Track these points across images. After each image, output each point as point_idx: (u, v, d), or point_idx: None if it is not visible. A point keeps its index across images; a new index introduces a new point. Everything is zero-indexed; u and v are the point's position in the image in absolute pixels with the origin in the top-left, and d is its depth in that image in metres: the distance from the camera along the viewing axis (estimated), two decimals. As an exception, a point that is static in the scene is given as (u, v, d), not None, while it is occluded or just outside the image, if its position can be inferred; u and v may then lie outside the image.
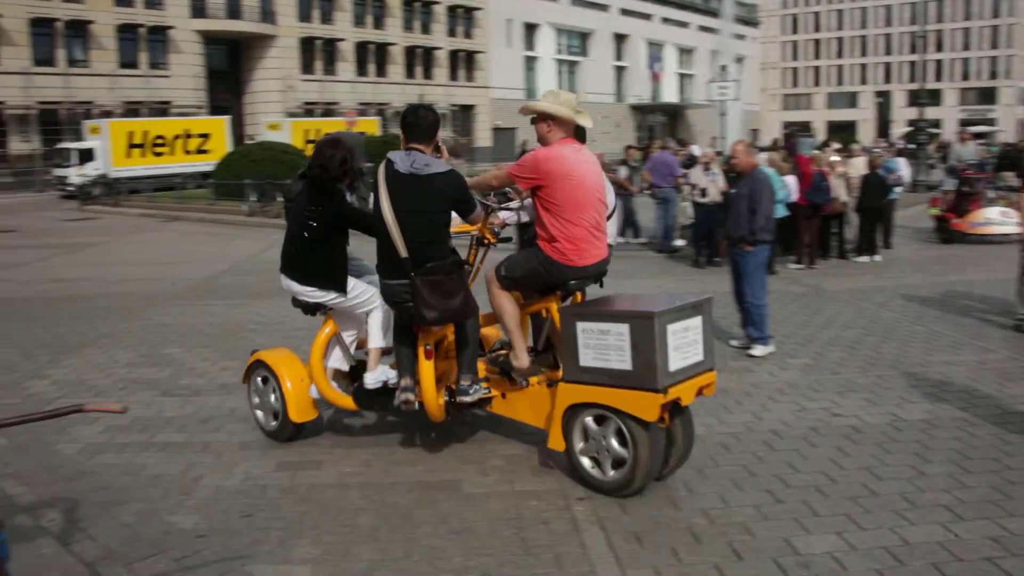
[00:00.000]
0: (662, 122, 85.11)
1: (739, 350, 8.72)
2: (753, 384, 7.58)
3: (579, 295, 5.63)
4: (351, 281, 5.82)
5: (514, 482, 5.47)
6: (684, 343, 5.03)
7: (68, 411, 3.06)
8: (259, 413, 6.39)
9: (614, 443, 5.10)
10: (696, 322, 5.14)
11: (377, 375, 5.81)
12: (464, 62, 68.29)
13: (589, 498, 5.17)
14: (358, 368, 6.18)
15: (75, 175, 36.52)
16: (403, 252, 5.25)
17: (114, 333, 10.08)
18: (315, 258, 5.75)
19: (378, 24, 62.00)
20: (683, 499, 5.17)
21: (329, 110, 55.82)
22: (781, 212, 13.06)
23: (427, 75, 65.31)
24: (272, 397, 6.19)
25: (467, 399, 5.53)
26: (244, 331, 10.00)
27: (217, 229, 23.11)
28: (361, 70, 60.81)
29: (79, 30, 47.16)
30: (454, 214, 5.47)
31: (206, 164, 37.42)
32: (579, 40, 79.96)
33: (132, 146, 39.31)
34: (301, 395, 6.03)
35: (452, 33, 67.30)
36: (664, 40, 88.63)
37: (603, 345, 5.03)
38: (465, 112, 67.57)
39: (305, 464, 5.81)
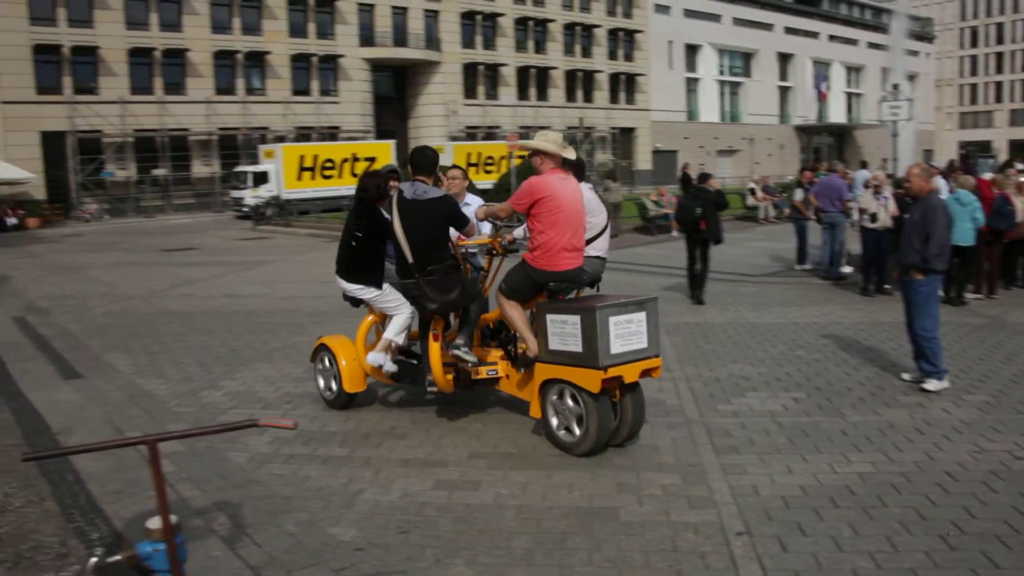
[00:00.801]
0: (828, 143, 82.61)
1: (911, 384, 8.26)
2: (925, 421, 7.15)
3: (579, 293, 7.13)
4: (385, 287, 7.31)
5: (670, 512, 5.35)
6: (627, 332, 6.18)
7: (243, 425, 3.22)
8: (322, 384, 7.84)
9: (571, 410, 6.37)
10: (640, 316, 6.27)
11: (377, 358, 7.31)
12: (624, 84, 68.29)
13: (748, 534, 4.99)
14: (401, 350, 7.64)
15: (250, 197, 38.52)
16: (410, 258, 6.77)
17: (283, 348, 10.50)
18: (357, 260, 7.28)
19: (539, 49, 62.82)
20: (847, 539, 4.92)
21: (491, 134, 56.83)
22: (971, 239, 12.41)
23: (587, 98, 65.66)
24: (332, 372, 7.66)
25: (456, 352, 6.87)
26: (404, 349, 10.20)
27: (381, 249, 23.69)
28: (522, 94, 61.70)
29: (257, 61, 49.91)
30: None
31: (372, 186, 38.65)
32: (742, 60, 78.68)
33: (303, 169, 41.07)
34: (353, 370, 7.50)
35: (613, 56, 67.46)
36: (831, 58, 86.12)
37: (563, 332, 6.28)
38: (625, 135, 67.50)
39: (463, 484, 5.86)
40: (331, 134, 51.48)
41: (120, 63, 45.69)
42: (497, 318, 7.24)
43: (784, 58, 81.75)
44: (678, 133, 70.58)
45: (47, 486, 5.93)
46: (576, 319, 6.15)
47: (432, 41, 56.77)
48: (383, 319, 7.64)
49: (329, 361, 7.74)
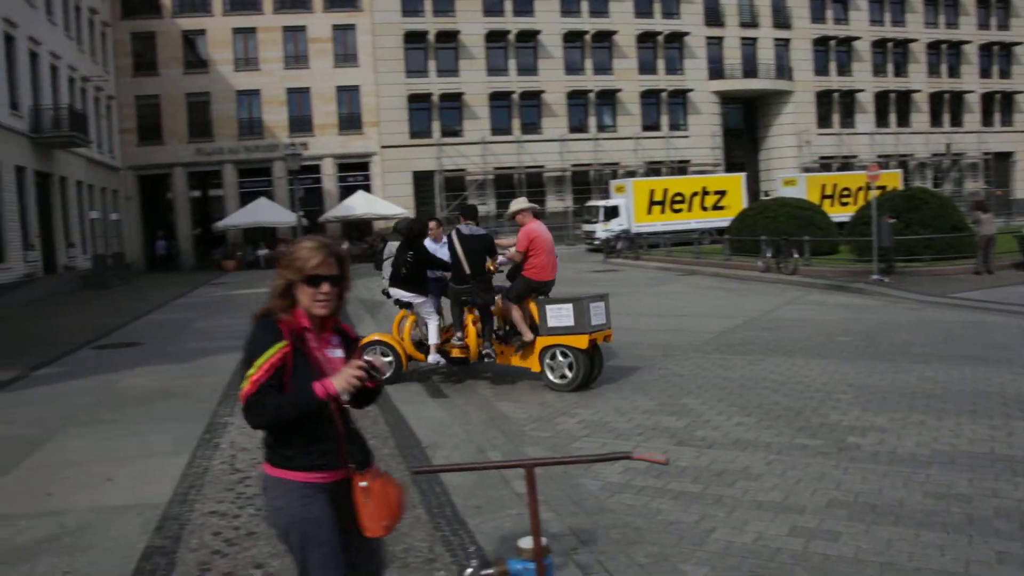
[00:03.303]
0: None
1: None
2: None
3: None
4: (423, 298, 10.77)
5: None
6: (597, 313, 10.14)
7: (617, 457, 3.29)
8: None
9: (563, 363, 10.12)
10: (602, 304, 10.34)
11: (434, 358, 10.85)
12: (1000, 104, 62.06)
13: None
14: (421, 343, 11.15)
15: (601, 230, 39.61)
16: (467, 270, 10.41)
17: (635, 380, 10.63)
18: (409, 277, 10.68)
19: (899, 71, 59.05)
20: None
21: (846, 163, 54.34)
22: None
23: (955, 122, 60.51)
24: (386, 358, 10.77)
25: (486, 349, 10.55)
26: (760, 387, 9.93)
27: (732, 284, 23.46)
28: (881, 120, 58.27)
29: (608, 99, 51.59)
30: None
31: (722, 220, 38.39)
32: None
33: (653, 203, 41.56)
34: (402, 354, 11.07)
35: (986, 74, 61.66)
36: None
37: (560, 315, 10.07)
38: (1000, 160, 61.36)
39: (820, 533, 5.55)
40: (680, 168, 51.80)
41: (482, 107, 49.30)
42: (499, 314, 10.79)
43: None
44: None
45: (418, 495, 6.40)
46: (569, 306, 10.03)
47: (783, 70, 55.50)
48: (415, 318, 11.11)
49: (381, 351, 10.91)
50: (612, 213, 40.73)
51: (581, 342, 9.91)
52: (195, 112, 47.27)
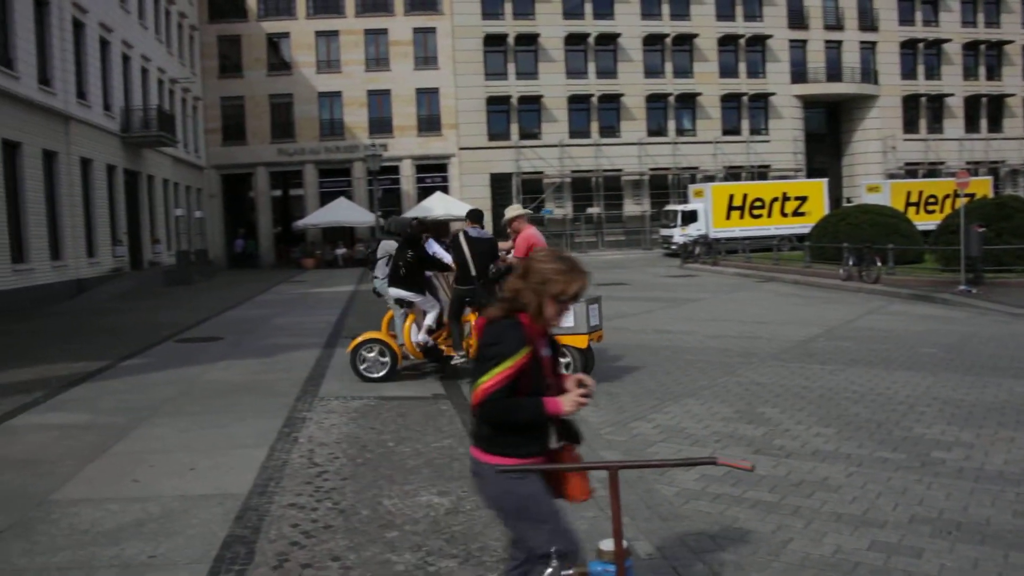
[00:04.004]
0: None
1: None
2: None
3: None
4: (422, 296, 11.33)
5: None
6: (594, 314, 10.81)
7: (702, 462, 3.29)
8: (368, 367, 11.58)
9: (560, 362, 10.04)
10: (597, 306, 11.00)
11: (423, 336, 11.33)
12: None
13: None
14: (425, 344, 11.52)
15: (678, 235, 39.35)
16: (474, 271, 10.80)
17: (712, 387, 10.50)
18: (409, 275, 11.19)
19: (992, 75, 57.11)
20: None
21: (933, 170, 52.90)
22: None
23: (1051, 127, 58.31)
24: (384, 357, 11.49)
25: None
26: (840, 398, 9.71)
27: (812, 292, 23.03)
28: (971, 126, 56.56)
29: (688, 102, 51.15)
30: None
31: (802, 227, 37.78)
32: None
33: (732, 208, 41.11)
34: (398, 353, 11.49)
35: (1086, 78, 59.21)
36: None
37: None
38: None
39: (902, 548, 5.39)
40: (761, 173, 51.13)
41: (560, 110, 49.33)
42: None
43: None
44: None
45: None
46: (571, 307, 9.45)
47: (869, 74, 54.34)
48: (413, 318, 11.56)
49: (372, 351, 11.50)
50: (690, 218, 40.41)
51: (581, 342, 10.59)
52: (278, 113, 48.26)
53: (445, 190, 47.31)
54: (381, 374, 11.45)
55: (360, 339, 11.66)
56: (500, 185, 48.91)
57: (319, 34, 48.15)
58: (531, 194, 48.40)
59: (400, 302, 11.49)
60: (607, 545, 3.19)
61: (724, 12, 51.82)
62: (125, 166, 33.38)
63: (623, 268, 34.50)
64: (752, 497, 6.39)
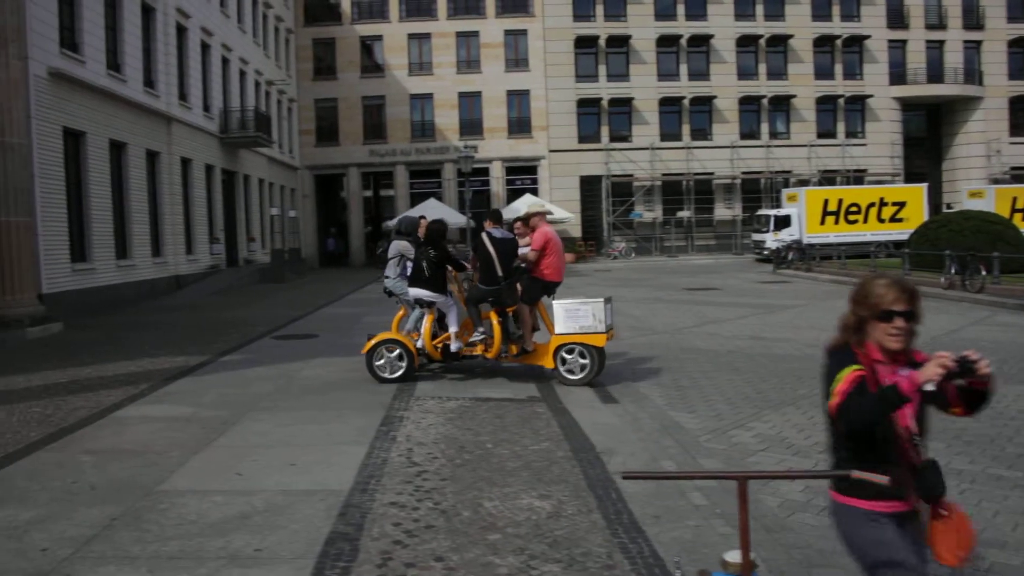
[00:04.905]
0: None
1: None
2: None
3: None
4: (443, 296, 11.43)
5: None
6: (609, 314, 11.04)
7: (838, 475, 3.22)
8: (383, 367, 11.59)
9: (579, 361, 11.00)
10: (611, 307, 11.17)
11: (456, 344, 11.34)
12: None
13: None
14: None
15: (771, 240, 38.63)
16: (500, 272, 11.05)
17: (811, 396, 10.24)
18: (430, 276, 11.31)
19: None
20: None
21: (1040, 175, 50.91)
22: None
23: None
24: (401, 361, 11.51)
25: (504, 349, 11.36)
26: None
27: (910, 299, 22.24)
28: (1083, 129, 54.18)
29: (782, 105, 50.20)
30: None
31: (900, 233, 36.76)
32: None
33: (826, 213, 40.18)
34: (414, 352, 11.56)
35: None
36: None
37: (577, 315, 10.91)
38: None
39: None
40: (857, 177, 49.94)
41: (651, 112, 48.93)
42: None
43: None
44: None
45: (594, 500, 6.38)
46: (588, 307, 10.87)
47: (973, 74, 52.49)
48: (432, 318, 11.68)
49: (391, 351, 11.50)
50: (783, 223, 39.67)
51: (599, 340, 10.89)
52: (370, 115, 48.98)
53: (535, 192, 47.37)
54: (397, 375, 11.47)
55: (376, 339, 11.66)
56: (590, 187, 48.78)
57: (411, 37, 48.71)
58: (621, 197, 48.16)
59: (420, 302, 11.61)
60: (733, 556, 3.11)
61: (820, 12, 50.70)
62: (223, 166, 34.28)
63: (714, 273, 34.04)
64: (861, 511, 6.19)
